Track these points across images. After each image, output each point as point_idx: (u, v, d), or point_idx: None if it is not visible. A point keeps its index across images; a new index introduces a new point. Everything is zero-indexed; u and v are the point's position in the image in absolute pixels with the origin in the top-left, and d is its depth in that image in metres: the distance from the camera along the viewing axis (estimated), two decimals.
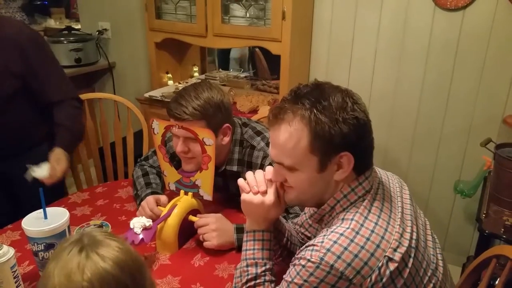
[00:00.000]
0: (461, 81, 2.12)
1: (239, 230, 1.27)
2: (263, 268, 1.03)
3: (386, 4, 2.18)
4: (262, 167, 1.36)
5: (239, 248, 1.26)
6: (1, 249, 1.00)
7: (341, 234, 0.86)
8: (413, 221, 0.94)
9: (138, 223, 1.21)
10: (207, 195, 1.33)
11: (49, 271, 0.67)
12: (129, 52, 3.05)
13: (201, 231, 1.26)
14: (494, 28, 1.98)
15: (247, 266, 1.03)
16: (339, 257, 0.83)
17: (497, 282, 1.15)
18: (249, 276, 1.02)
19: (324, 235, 0.88)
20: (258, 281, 1.02)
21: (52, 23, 5.15)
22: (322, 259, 0.84)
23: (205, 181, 1.31)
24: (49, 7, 5.37)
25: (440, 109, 2.20)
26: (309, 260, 0.86)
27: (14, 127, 1.60)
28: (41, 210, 1.09)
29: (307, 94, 0.90)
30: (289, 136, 0.90)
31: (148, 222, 1.22)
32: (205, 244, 1.25)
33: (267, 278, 1.02)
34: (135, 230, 1.19)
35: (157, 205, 1.34)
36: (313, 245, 0.88)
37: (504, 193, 1.66)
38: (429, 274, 0.92)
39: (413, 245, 0.89)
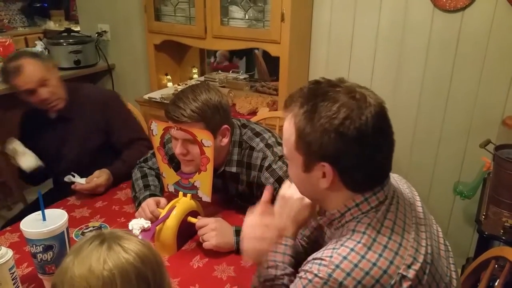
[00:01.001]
0: (460, 82, 2.12)
1: (239, 233, 1.26)
2: (283, 272, 1.00)
3: (385, 5, 2.18)
4: (261, 168, 1.36)
5: (238, 251, 1.26)
6: (0, 250, 1.00)
7: (352, 249, 0.82)
8: (427, 232, 0.90)
9: (137, 224, 1.21)
10: (206, 197, 1.33)
11: (67, 264, 0.66)
12: (128, 54, 3.05)
13: (201, 232, 1.26)
14: (493, 29, 1.98)
15: (267, 267, 1.01)
16: (348, 274, 0.79)
17: (496, 284, 1.15)
18: (268, 277, 1.00)
19: (333, 249, 0.84)
20: (275, 282, 0.99)
21: (51, 25, 5.16)
22: (330, 275, 0.80)
23: (204, 182, 1.31)
24: (48, 10, 5.38)
25: (439, 110, 2.20)
26: (316, 275, 0.82)
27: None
28: (40, 212, 1.09)
29: (313, 91, 0.87)
30: (287, 127, 0.90)
31: (146, 224, 1.22)
32: (204, 244, 1.24)
33: (285, 281, 0.99)
34: (133, 232, 1.19)
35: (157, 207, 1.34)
36: (321, 259, 0.84)
37: (503, 194, 1.65)
38: None
39: (428, 260, 0.85)
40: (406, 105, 2.27)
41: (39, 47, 3.24)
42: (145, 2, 2.56)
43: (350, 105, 0.82)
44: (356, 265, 0.80)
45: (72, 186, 1.60)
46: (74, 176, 1.62)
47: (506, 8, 1.93)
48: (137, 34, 2.92)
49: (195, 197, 1.34)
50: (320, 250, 0.88)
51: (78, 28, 3.35)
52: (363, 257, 0.81)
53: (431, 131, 2.25)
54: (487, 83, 2.06)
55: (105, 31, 3.07)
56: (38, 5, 5.35)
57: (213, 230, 1.24)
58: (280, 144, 1.38)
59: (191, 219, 1.29)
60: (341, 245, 0.84)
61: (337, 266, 0.80)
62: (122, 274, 0.65)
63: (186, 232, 1.31)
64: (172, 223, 1.25)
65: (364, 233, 0.84)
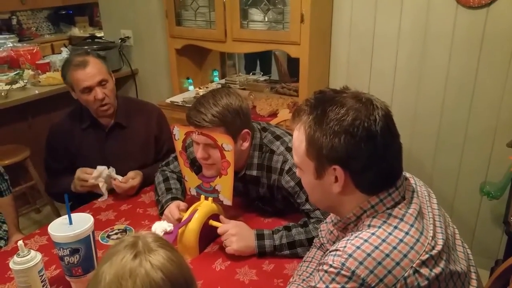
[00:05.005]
0: (485, 80, 2.07)
1: (260, 237, 1.27)
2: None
3: (407, 3, 2.15)
4: (282, 171, 1.36)
5: (260, 255, 1.27)
6: (29, 254, 1.04)
7: (366, 240, 0.84)
8: (444, 233, 0.90)
9: (160, 227, 1.24)
10: (227, 200, 1.34)
11: (101, 273, 0.68)
12: (151, 58, 3.10)
13: (223, 238, 1.28)
14: None
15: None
16: (361, 263, 0.81)
17: None
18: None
19: (348, 240, 0.86)
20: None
21: (76, 31, 5.30)
22: (343, 264, 0.82)
23: (225, 186, 1.32)
24: (73, 16, 5.52)
25: (464, 109, 2.15)
26: (331, 265, 0.84)
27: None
28: (67, 215, 1.12)
29: (320, 99, 0.90)
30: (297, 135, 0.92)
31: (169, 227, 1.25)
32: (227, 249, 1.26)
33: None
34: None
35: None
36: (336, 250, 0.86)
37: None
38: None
39: (444, 258, 0.86)
40: (430, 105, 2.23)
41: (64, 53, 3.33)
42: (166, 7, 2.60)
43: (358, 108, 0.85)
44: (369, 255, 0.81)
45: (113, 182, 1.62)
46: (113, 170, 1.64)
47: None
48: (159, 39, 2.96)
49: (217, 200, 1.35)
50: (336, 243, 0.90)
51: (102, 34, 3.43)
52: (376, 247, 0.82)
53: (456, 130, 2.20)
54: None
55: (128, 37, 3.13)
56: (63, 12, 5.50)
57: (234, 235, 1.26)
58: None
59: (212, 223, 1.31)
60: (356, 236, 0.86)
61: (350, 255, 0.82)
62: None
63: (208, 235, 1.32)
64: (194, 226, 1.27)
65: (379, 227, 0.86)
